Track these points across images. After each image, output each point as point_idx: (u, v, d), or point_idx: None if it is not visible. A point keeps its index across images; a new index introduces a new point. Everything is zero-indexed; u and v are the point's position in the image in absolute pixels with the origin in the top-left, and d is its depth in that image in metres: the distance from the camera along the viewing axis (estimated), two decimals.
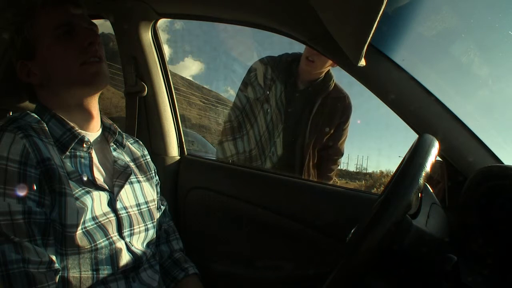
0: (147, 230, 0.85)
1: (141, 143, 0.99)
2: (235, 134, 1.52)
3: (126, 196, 0.82)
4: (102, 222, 0.74)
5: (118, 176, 0.82)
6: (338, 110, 1.48)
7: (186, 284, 0.91)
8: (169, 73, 1.27)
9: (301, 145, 1.45)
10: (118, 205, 0.79)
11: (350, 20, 0.65)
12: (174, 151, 1.27)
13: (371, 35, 0.61)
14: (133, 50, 1.19)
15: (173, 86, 1.28)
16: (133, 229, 0.81)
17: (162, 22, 1.22)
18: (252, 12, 1.00)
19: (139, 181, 0.88)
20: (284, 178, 1.14)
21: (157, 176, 0.98)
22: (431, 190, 0.72)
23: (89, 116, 0.81)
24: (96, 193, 0.74)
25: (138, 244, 0.83)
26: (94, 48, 0.77)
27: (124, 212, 0.80)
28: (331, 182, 1.54)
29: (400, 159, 0.69)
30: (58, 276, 0.67)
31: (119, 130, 0.88)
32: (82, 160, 0.76)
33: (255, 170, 1.36)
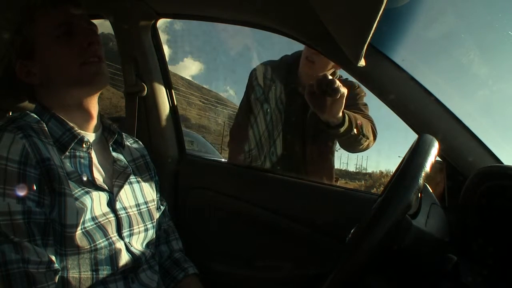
0: (146, 230, 0.85)
1: (141, 143, 0.99)
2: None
3: (126, 196, 0.82)
4: (102, 222, 0.74)
5: (118, 176, 0.82)
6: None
7: (185, 284, 0.91)
8: (169, 73, 1.27)
9: (300, 152, 1.41)
10: (118, 206, 0.79)
11: (350, 20, 0.65)
12: (173, 151, 1.27)
13: (371, 35, 0.61)
14: (133, 50, 1.19)
15: (173, 86, 1.28)
16: (133, 230, 0.81)
17: (162, 22, 1.22)
18: (252, 12, 1.00)
19: (138, 182, 0.88)
20: (284, 178, 1.14)
21: (156, 176, 0.98)
22: (431, 190, 0.72)
23: (88, 116, 0.81)
24: (95, 193, 0.74)
25: (138, 244, 0.82)
26: (93, 48, 0.77)
27: (123, 213, 0.80)
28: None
29: (400, 159, 0.69)
30: (57, 276, 0.67)
31: (119, 130, 0.88)
32: (82, 160, 0.76)
33: (255, 170, 1.36)
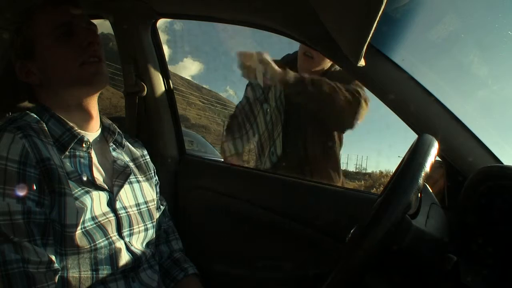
0: (146, 230, 0.85)
1: (141, 143, 0.99)
2: (237, 133, 1.50)
3: (126, 196, 0.82)
4: (102, 222, 0.74)
5: (118, 176, 0.82)
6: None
7: (185, 284, 0.91)
8: (169, 73, 1.27)
9: (302, 150, 1.41)
10: (118, 205, 0.79)
11: (350, 20, 0.65)
12: (173, 151, 1.27)
13: (370, 35, 0.61)
14: (133, 50, 1.18)
15: (173, 86, 1.28)
16: (133, 229, 0.81)
17: (162, 22, 1.22)
18: (252, 12, 1.00)
19: (138, 181, 0.88)
20: (284, 178, 1.14)
21: (156, 176, 0.98)
22: (431, 190, 0.72)
23: (88, 116, 0.81)
24: (95, 193, 0.74)
25: (138, 244, 0.82)
26: (93, 48, 0.77)
27: (123, 212, 0.80)
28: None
29: (400, 159, 0.69)
30: (57, 276, 0.67)
31: (119, 130, 0.88)
32: (82, 160, 0.76)
33: (255, 170, 1.36)
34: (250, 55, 1.34)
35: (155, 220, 0.89)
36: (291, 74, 1.31)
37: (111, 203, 0.78)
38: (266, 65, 1.32)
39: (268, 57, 1.33)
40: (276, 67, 1.31)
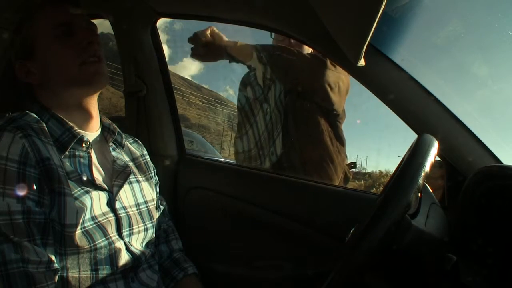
0: (146, 230, 0.85)
1: (140, 142, 0.99)
2: (238, 133, 1.51)
3: (125, 196, 0.82)
4: (101, 222, 0.74)
5: (117, 176, 0.82)
6: None
7: (185, 284, 0.91)
8: (168, 73, 1.27)
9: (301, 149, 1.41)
10: (117, 205, 0.79)
11: (350, 20, 0.65)
12: (173, 151, 1.27)
13: (370, 35, 0.61)
14: (133, 50, 1.19)
15: (173, 86, 1.28)
16: (132, 229, 0.81)
17: (162, 22, 1.22)
18: (252, 12, 1.00)
19: (138, 181, 0.88)
20: (284, 178, 1.14)
21: (156, 176, 0.98)
22: (431, 190, 0.72)
23: (88, 116, 0.81)
24: (95, 193, 0.74)
25: (137, 244, 0.82)
26: (93, 47, 0.77)
27: (123, 212, 0.80)
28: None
29: (400, 159, 0.69)
30: (57, 276, 0.67)
31: (118, 130, 0.88)
32: (82, 160, 0.76)
33: (255, 170, 1.36)
34: (203, 32, 1.37)
35: (154, 220, 0.89)
36: (241, 43, 1.36)
37: (110, 203, 0.78)
38: (218, 37, 1.35)
39: (216, 30, 1.37)
40: (225, 38, 1.35)
